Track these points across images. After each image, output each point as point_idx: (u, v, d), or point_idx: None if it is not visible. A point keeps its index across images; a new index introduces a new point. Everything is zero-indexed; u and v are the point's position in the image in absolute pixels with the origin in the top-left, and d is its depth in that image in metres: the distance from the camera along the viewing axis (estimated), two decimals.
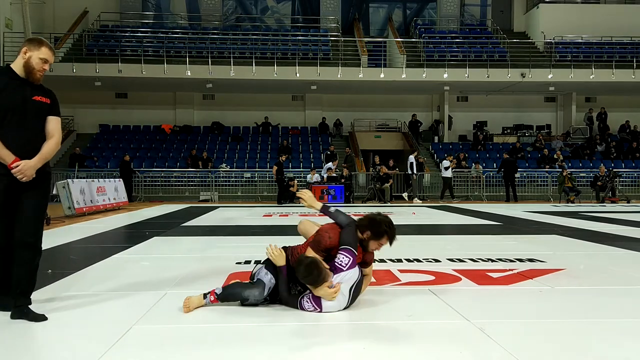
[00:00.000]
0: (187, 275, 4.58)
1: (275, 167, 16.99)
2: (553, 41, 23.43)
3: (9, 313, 3.19)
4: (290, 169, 20.03)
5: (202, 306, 3.43)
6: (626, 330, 3.01)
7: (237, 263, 5.12)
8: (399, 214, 12.19)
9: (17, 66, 3.29)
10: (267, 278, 3.45)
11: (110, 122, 23.78)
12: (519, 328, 3.03)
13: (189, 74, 20.48)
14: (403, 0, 26.95)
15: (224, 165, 20.37)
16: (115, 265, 5.08)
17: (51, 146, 3.30)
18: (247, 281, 3.61)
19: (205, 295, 3.46)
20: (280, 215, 11.80)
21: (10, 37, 20.19)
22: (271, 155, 21.46)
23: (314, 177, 17.93)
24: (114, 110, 23.91)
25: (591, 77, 21.78)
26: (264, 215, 11.73)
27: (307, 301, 3.32)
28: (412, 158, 18.33)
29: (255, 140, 23.11)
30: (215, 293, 3.45)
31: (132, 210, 13.42)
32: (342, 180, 17.73)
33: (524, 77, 21.65)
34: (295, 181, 17.71)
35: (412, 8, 27.01)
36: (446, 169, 18.08)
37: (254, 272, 3.61)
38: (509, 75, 21.63)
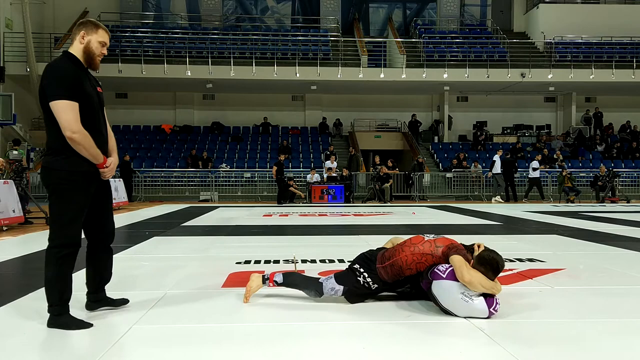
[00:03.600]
0: (187, 275, 4.57)
1: (275, 167, 17.00)
2: (553, 41, 23.44)
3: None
4: (290, 169, 20.04)
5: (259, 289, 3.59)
6: (626, 330, 3.01)
7: (237, 263, 5.11)
8: (399, 214, 12.19)
9: (77, 53, 3.03)
10: (329, 288, 3.41)
11: (110, 122, 23.12)
12: (519, 328, 3.03)
13: (189, 74, 20.50)
14: (403, 0, 26.96)
15: (224, 165, 20.38)
16: (115, 265, 5.05)
17: (114, 141, 3.28)
18: (313, 277, 3.65)
19: (264, 280, 3.56)
20: (280, 215, 11.79)
21: (10, 37, 20.19)
22: (271, 155, 21.46)
23: (314, 177, 17.94)
24: (114, 110, 23.86)
25: (591, 77, 21.79)
26: (264, 215, 11.73)
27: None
28: (496, 157, 18.17)
29: (255, 140, 23.12)
30: (275, 280, 3.53)
31: (132, 210, 13.41)
32: (340, 179, 17.75)
33: (523, 77, 21.66)
34: (293, 182, 17.72)
35: (412, 8, 27.02)
36: (535, 169, 17.98)
37: (335, 274, 3.53)
38: (509, 76, 21.64)
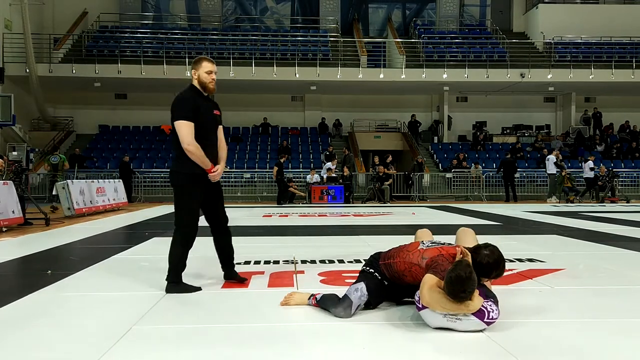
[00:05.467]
0: (187, 276, 4.55)
1: (275, 168, 17.01)
2: (552, 41, 23.45)
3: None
4: (290, 169, 20.03)
5: (303, 305, 3.44)
6: (626, 330, 3.00)
7: (236, 263, 5.09)
8: (399, 214, 12.19)
9: (196, 85, 3.95)
10: (357, 295, 3.21)
11: (109, 122, 23.78)
12: (518, 328, 3.02)
13: (189, 74, 20.34)
14: (402, 0, 26.96)
15: None
16: (115, 266, 5.08)
17: (225, 152, 4.13)
18: (337, 296, 3.33)
19: (309, 298, 3.44)
20: (280, 216, 11.79)
21: (10, 38, 20.18)
22: (271, 155, 21.45)
23: (313, 177, 17.94)
24: (114, 111, 23.91)
25: (590, 77, 21.80)
26: (264, 216, 11.73)
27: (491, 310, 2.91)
28: (552, 157, 18.22)
29: (254, 140, 23.11)
30: (316, 298, 3.40)
31: (131, 210, 13.41)
32: (340, 181, 17.75)
33: (523, 77, 21.67)
34: (293, 182, 17.70)
35: (412, 8, 27.02)
36: (591, 169, 18.15)
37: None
38: (509, 76, 21.65)
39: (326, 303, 3.32)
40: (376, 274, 3.32)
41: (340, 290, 3.63)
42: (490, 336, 2.83)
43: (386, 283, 3.31)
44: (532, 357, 2.55)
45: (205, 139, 3.87)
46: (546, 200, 17.91)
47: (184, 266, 3.96)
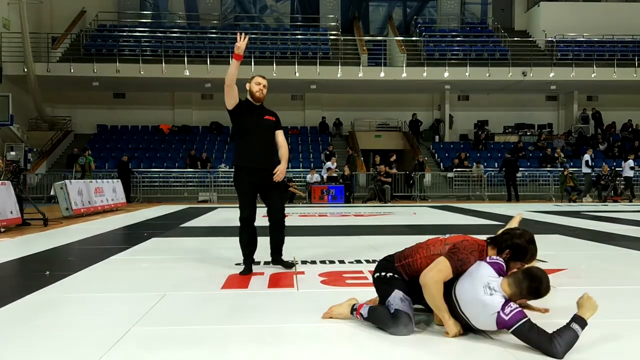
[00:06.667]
0: (186, 277, 4.53)
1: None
2: (554, 40, 23.40)
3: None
4: (290, 169, 19.96)
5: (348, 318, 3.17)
6: (627, 331, 2.96)
7: (236, 264, 5.07)
8: (400, 214, 12.15)
9: (249, 96, 4.68)
10: (406, 305, 2.94)
11: (108, 122, 23.73)
12: None
13: (188, 73, 20.43)
14: None
15: (222, 165, 20.31)
16: (114, 267, 5.03)
17: (284, 151, 4.71)
18: (389, 312, 2.96)
19: (352, 311, 3.14)
20: None
21: (8, 37, 20.14)
22: None
23: (313, 177, 17.89)
24: (112, 110, 23.85)
25: (593, 75, 21.75)
26: (264, 216, 11.64)
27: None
28: (587, 156, 18.14)
29: None
30: (361, 313, 3.08)
31: (130, 211, 13.36)
32: (340, 181, 17.70)
33: (525, 75, 21.61)
34: (293, 182, 17.66)
35: (413, 6, 26.95)
36: (631, 168, 18.11)
37: (385, 295, 3.01)
38: (510, 74, 21.59)
39: (380, 321, 2.99)
40: (396, 275, 3.11)
41: (341, 291, 3.59)
42: (492, 336, 2.79)
43: (401, 278, 3.12)
44: (532, 358, 2.51)
45: (249, 136, 4.56)
46: (582, 199, 17.84)
47: (244, 249, 4.69)
